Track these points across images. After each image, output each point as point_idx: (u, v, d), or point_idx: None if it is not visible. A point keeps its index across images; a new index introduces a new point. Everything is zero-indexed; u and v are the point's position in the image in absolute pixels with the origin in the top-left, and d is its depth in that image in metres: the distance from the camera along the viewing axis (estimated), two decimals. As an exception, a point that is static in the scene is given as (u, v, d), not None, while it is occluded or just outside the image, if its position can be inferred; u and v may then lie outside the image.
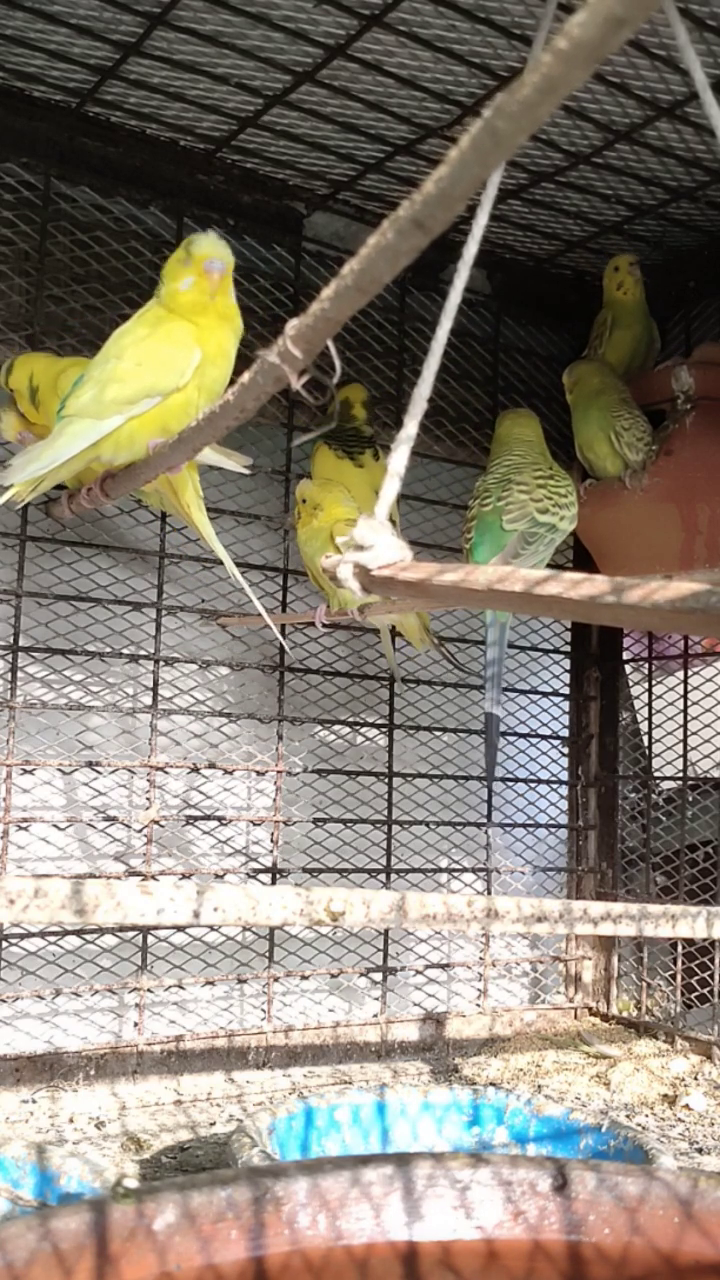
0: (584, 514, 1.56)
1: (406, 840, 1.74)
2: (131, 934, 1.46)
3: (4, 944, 1.38)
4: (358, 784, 1.69)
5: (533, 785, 1.87)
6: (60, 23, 1.22)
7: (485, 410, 1.82)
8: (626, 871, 1.88)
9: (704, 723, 1.78)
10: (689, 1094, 1.47)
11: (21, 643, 1.40)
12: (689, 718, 1.77)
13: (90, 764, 1.44)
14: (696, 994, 1.72)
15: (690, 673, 1.79)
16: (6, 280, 1.41)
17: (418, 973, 1.72)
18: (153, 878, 1.45)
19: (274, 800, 1.58)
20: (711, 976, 1.69)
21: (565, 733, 1.92)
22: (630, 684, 1.94)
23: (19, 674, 1.41)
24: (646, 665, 1.87)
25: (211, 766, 1.54)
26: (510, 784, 1.85)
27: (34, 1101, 1.35)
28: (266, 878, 1.57)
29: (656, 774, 1.84)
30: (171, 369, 1.11)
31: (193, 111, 1.40)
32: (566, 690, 1.93)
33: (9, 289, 1.41)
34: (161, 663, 1.50)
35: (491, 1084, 1.49)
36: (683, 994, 1.73)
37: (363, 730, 1.73)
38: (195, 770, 1.55)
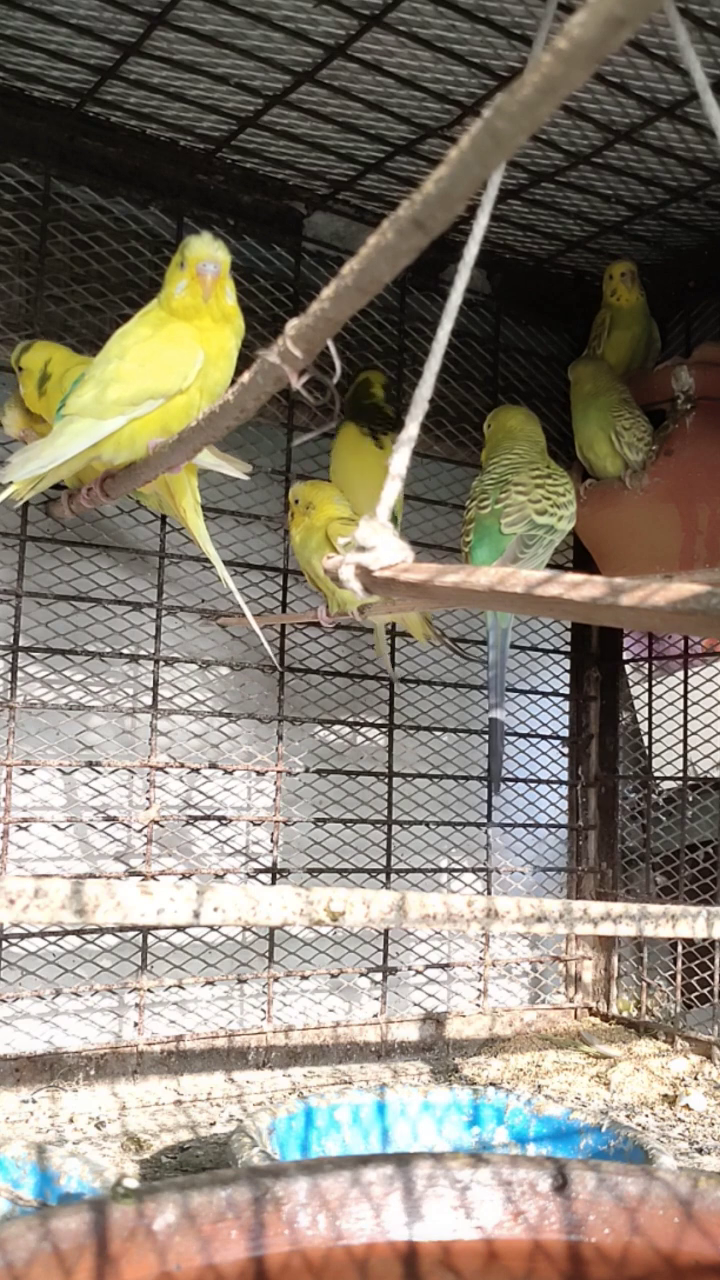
0: (584, 514, 1.56)
1: (406, 840, 1.74)
2: (131, 934, 1.46)
3: (4, 944, 1.38)
4: (358, 784, 1.69)
5: (533, 785, 1.87)
6: (60, 23, 1.22)
7: (485, 410, 1.82)
8: (626, 871, 1.88)
9: (704, 723, 1.78)
10: (689, 1094, 1.47)
11: (21, 643, 1.40)
12: (689, 718, 1.77)
13: (90, 764, 1.44)
14: (696, 994, 1.72)
15: (690, 673, 1.79)
16: (6, 280, 1.41)
17: (418, 973, 1.72)
18: (153, 878, 1.45)
19: (274, 800, 1.58)
20: (711, 976, 1.69)
21: (565, 733, 1.92)
22: (630, 684, 1.94)
23: (19, 674, 1.41)
24: (646, 665, 1.87)
25: (212, 766, 1.54)
26: (510, 784, 1.85)
27: (34, 1101, 1.35)
28: (266, 878, 1.57)
29: (656, 774, 1.84)
30: (174, 371, 1.11)
31: (193, 111, 1.40)
32: (566, 690, 1.93)
33: (9, 289, 1.41)
34: (161, 663, 1.50)
35: (491, 1084, 1.49)
36: (683, 994, 1.73)
37: (363, 730, 1.73)
38: (195, 770, 1.55)
